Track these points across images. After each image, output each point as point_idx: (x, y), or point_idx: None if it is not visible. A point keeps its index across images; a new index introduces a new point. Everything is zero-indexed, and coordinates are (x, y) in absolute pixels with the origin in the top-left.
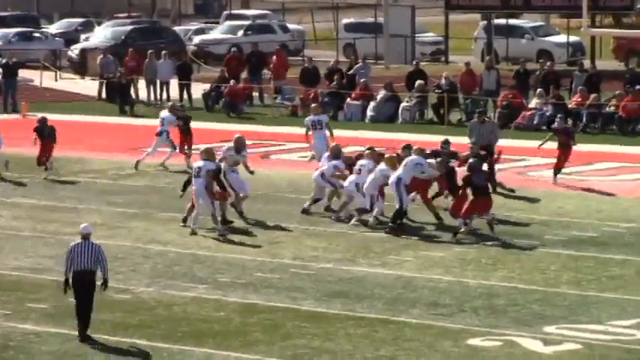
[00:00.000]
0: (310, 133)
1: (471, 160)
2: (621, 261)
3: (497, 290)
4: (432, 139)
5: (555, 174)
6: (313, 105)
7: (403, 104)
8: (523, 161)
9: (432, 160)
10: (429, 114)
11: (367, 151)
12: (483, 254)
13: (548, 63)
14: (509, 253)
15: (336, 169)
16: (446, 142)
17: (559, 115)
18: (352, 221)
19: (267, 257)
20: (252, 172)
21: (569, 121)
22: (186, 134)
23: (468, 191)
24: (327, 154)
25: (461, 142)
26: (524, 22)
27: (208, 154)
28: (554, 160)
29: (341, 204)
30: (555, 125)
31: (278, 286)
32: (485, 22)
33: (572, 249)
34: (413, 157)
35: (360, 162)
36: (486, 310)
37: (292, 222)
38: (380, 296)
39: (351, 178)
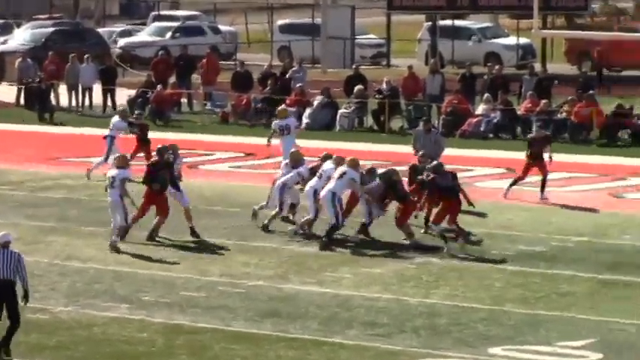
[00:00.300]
0: (272, 140)
1: (435, 163)
2: (571, 277)
3: (439, 309)
4: (371, 148)
5: (511, 185)
6: (280, 108)
7: (341, 111)
8: (469, 171)
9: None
10: (369, 121)
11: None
12: (424, 270)
13: (497, 66)
14: (452, 269)
15: (299, 177)
16: (423, 155)
17: (538, 123)
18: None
19: (194, 274)
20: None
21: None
22: (144, 143)
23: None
24: (284, 162)
25: (402, 150)
26: (471, 23)
27: (122, 162)
28: (501, 170)
29: (306, 220)
30: (533, 134)
31: (205, 305)
32: (429, 23)
33: (520, 264)
34: (346, 169)
35: (324, 166)
36: (427, 330)
37: (221, 236)
38: (314, 316)
39: (312, 182)
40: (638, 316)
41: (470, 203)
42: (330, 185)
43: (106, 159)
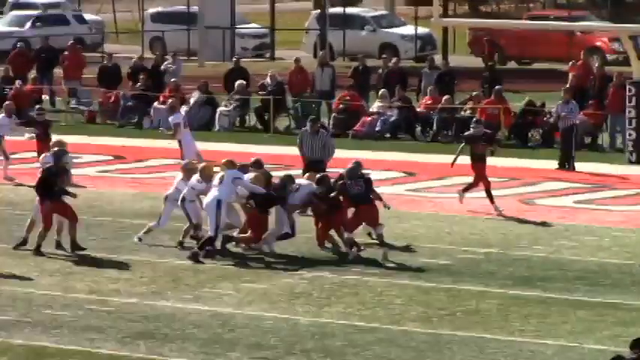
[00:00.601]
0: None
1: (351, 165)
2: (479, 293)
3: (333, 329)
4: (255, 150)
5: (491, 199)
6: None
7: (221, 108)
8: None
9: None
10: (252, 120)
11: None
12: (315, 286)
13: (393, 59)
14: (345, 285)
15: (195, 191)
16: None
17: (475, 119)
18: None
19: (58, 291)
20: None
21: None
22: (45, 142)
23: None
24: (179, 177)
25: (289, 152)
26: (365, 10)
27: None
28: (399, 174)
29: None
30: (471, 132)
31: (72, 325)
32: (318, 11)
33: (422, 279)
34: (228, 171)
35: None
36: (319, 352)
37: (88, 249)
38: (193, 337)
39: (214, 192)
40: (554, 335)
41: (386, 206)
42: (215, 192)
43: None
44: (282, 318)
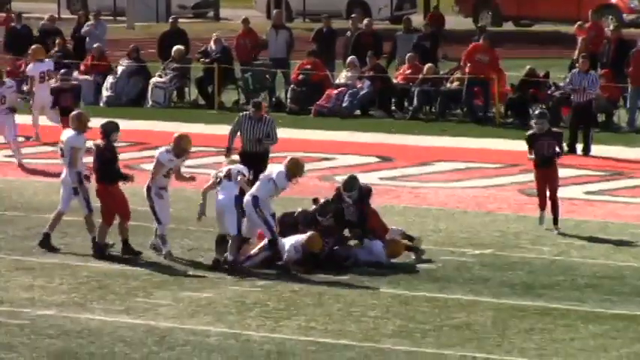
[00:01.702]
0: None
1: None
2: (470, 303)
3: (292, 347)
4: (196, 130)
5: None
6: (35, 47)
7: (154, 79)
8: (329, 161)
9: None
10: (192, 94)
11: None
12: (271, 295)
13: (365, 20)
14: (308, 294)
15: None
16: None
17: (538, 111)
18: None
19: None
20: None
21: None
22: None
23: None
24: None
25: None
26: None
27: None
28: (373, 159)
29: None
30: (534, 129)
31: None
32: None
33: (401, 287)
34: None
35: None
36: None
37: None
38: (122, 356)
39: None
40: (561, 354)
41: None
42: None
43: None
44: (230, 333)
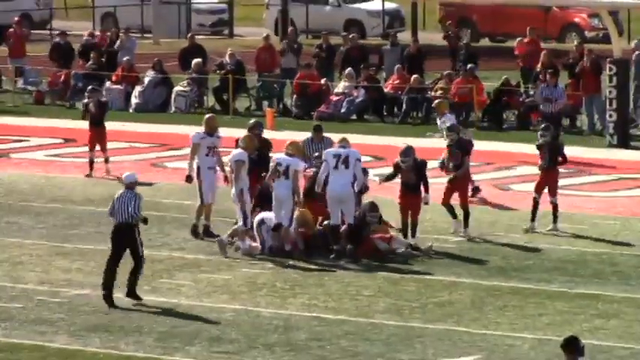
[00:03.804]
0: None
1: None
2: (451, 284)
3: (297, 321)
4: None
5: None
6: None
7: (177, 89)
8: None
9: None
10: (210, 101)
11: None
12: (279, 276)
13: (351, 36)
14: (310, 276)
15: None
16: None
17: (544, 125)
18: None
19: (7, 282)
20: None
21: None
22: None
23: None
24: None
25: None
26: None
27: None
28: (365, 158)
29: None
30: (540, 141)
31: (21, 318)
32: None
33: (391, 269)
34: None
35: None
36: (283, 346)
37: (38, 237)
38: (149, 330)
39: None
40: (531, 328)
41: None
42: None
43: None
44: (243, 310)
